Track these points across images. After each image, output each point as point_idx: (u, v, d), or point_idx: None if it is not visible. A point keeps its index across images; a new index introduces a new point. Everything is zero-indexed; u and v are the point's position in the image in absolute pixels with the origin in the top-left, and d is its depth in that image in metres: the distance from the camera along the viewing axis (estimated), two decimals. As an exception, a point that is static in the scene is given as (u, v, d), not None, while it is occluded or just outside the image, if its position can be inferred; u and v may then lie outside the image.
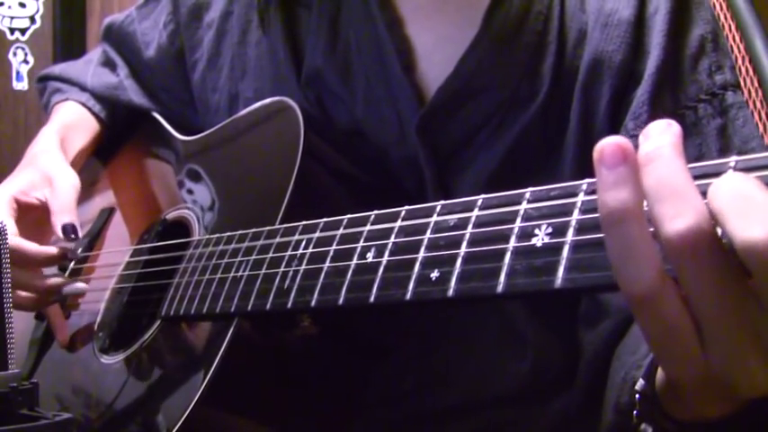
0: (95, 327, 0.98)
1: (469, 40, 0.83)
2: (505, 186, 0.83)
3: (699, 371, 0.46)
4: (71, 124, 1.14)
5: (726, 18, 1.01)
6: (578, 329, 0.85)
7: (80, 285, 0.98)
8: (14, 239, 0.95)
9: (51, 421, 0.66)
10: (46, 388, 0.97)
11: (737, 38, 1.00)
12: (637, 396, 0.59)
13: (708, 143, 0.79)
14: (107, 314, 0.98)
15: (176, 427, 0.73)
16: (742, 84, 0.97)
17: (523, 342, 0.86)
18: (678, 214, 0.43)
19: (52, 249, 0.98)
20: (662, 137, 0.46)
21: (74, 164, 1.09)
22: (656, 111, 0.79)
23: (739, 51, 1.00)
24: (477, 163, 0.85)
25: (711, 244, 0.43)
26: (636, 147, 0.77)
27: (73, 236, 0.96)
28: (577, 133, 0.82)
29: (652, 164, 0.45)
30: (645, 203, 0.45)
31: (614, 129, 0.81)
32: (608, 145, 0.46)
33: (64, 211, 0.98)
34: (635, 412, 0.59)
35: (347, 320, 0.77)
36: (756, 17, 1.00)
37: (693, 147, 0.79)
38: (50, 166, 1.03)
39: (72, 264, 1.02)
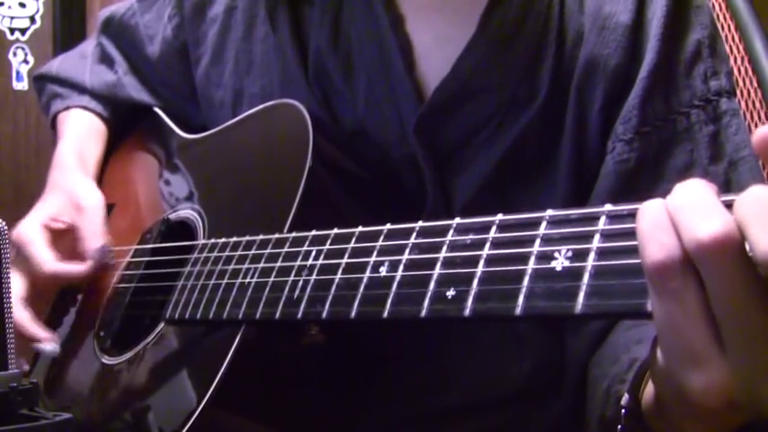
0: (96, 326, 0.98)
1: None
2: (503, 186, 0.85)
3: (720, 375, 0.46)
4: (83, 136, 1.14)
5: (725, 18, 1.02)
6: (564, 335, 0.85)
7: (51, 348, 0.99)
8: (55, 266, 0.99)
9: (51, 421, 0.66)
10: (44, 386, 0.97)
11: (737, 38, 1.01)
12: (623, 411, 0.60)
13: (699, 150, 0.79)
14: (108, 314, 0.97)
15: (183, 431, 0.73)
16: (741, 84, 0.98)
17: (523, 344, 0.86)
18: (709, 219, 0.44)
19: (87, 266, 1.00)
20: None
21: (94, 175, 1.11)
22: (646, 116, 0.79)
23: (738, 52, 1.00)
24: (476, 163, 0.86)
25: (740, 251, 0.44)
26: (624, 159, 0.78)
27: (111, 255, 1.00)
28: (572, 135, 0.82)
29: (684, 186, 0.47)
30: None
31: (607, 132, 0.81)
32: None
33: (96, 235, 1.01)
34: (619, 427, 0.60)
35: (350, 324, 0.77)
36: (756, 17, 1.01)
37: (684, 153, 0.79)
38: (75, 188, 1.06)
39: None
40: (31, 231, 1.01)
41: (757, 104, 0.99)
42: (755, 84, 0.99)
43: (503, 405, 0.88)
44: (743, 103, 0.98)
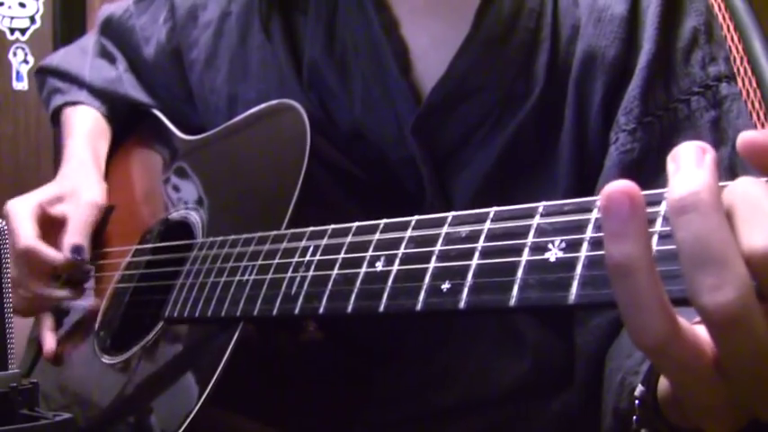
0: (96, 326, 0.98)
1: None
2: (503, 184, 0.85)
3: (721, 399, 0.45)
4: (94, 133, 1.15)
5: (724, 18, 1.02)
6: (572, 329, 0.85)
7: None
8: (32, 241, 0.98)
9: (51, 421, 0.66)
10: (44, 386, 0.97)
11: (736, 38, 1.01)
12: (636, 402, 0.60)
13: (701, 136, 0.78)
14: (108, 313, 0.97)
15: (182, 429, 0.73)
16: (740, 84, 0.97)
17: (523, 341, 0.87)
18: (719, 285, 0.40)
19: (63, 256, 1.00)
20: (697, 173, 0.43)
21: (103, 173, 1.12)
22: (647, 105, 0.79)
23: (738, 52, 1.00)
24: (474, 162, 0.86)
25: (753, 314, 0.41)
26: (628, 149, 0.78)
27: (78, 257, 1.00)
28: (572, 130, 0.82)
29: (687, 215, 0.42)
30: (654, 249, 0.44)
31: (608, 124, 0.81)
32: (614, 192, 0.43)
33: (78, 232, 1.01)
34: (634, 418, 0.60)
35: (349, 321, 0.77)
36: (755, 18, 1.01)
37: (687, 141, 0.79)
38: (82, 181, 1.07)
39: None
40: (22, 205, 1.01)
41: (757, 105, 0.99)
42: (755, 84, 0.99)
43: (502, 403, 0.88)
44: (742, 104, 0.98)
